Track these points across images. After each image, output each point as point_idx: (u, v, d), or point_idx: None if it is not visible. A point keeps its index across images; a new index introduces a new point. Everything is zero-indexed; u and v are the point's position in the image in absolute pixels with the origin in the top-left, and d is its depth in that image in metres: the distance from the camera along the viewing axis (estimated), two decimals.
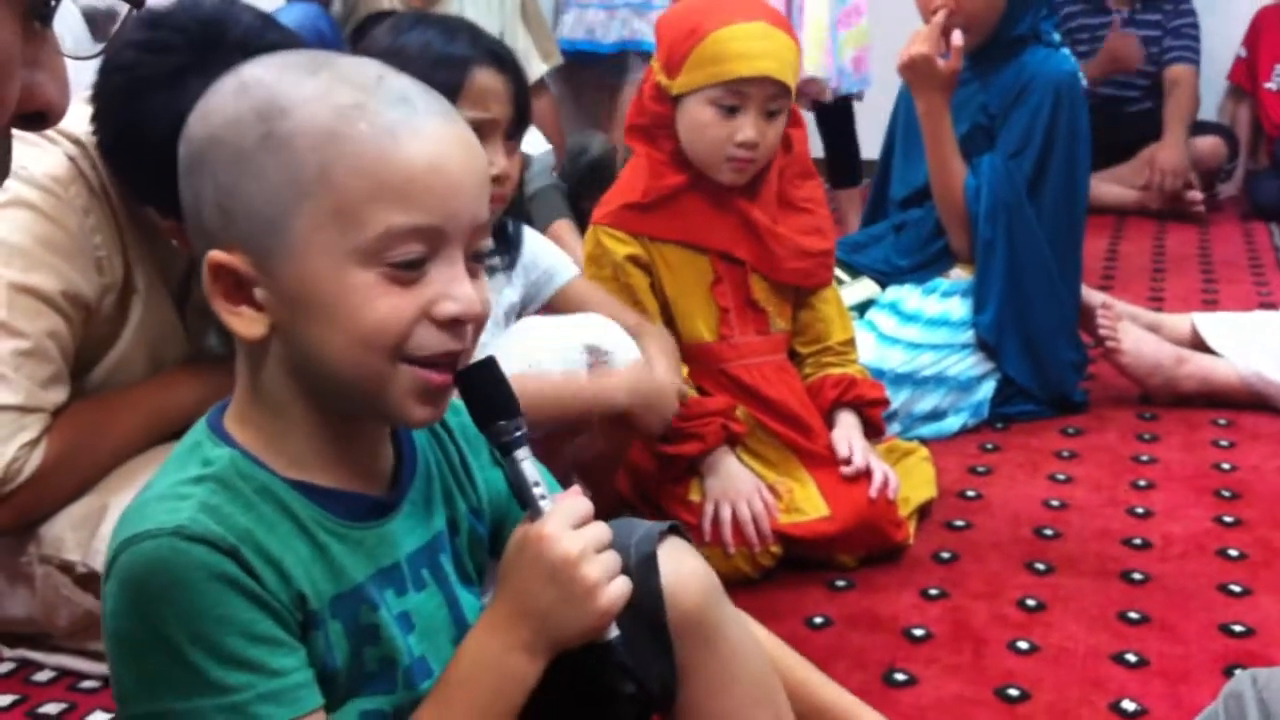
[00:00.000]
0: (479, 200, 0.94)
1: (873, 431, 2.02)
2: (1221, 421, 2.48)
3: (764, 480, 1.89)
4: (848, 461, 1.92)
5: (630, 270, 1.91)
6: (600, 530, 0.98)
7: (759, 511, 1.84)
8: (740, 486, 1.86)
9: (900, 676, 1.64)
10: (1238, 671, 1.01)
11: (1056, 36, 2.50)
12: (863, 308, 2.48)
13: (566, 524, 0.96)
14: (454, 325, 0.92)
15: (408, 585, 1.01)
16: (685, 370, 1.89)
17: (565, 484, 1.15)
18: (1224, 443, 2.39)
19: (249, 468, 0.93)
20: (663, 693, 1.09)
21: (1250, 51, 4.32)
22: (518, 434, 0.99)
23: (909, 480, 2.05)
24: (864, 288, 2.52)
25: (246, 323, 0.92)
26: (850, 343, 2.06)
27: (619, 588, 0.97)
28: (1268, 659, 1.65)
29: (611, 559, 0.97)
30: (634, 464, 1.93)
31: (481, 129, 1.57)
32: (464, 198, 0.93)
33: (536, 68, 3.68)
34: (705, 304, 1.94)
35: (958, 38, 2.35)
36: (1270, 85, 4.23)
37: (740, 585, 1.80)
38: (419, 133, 0.91)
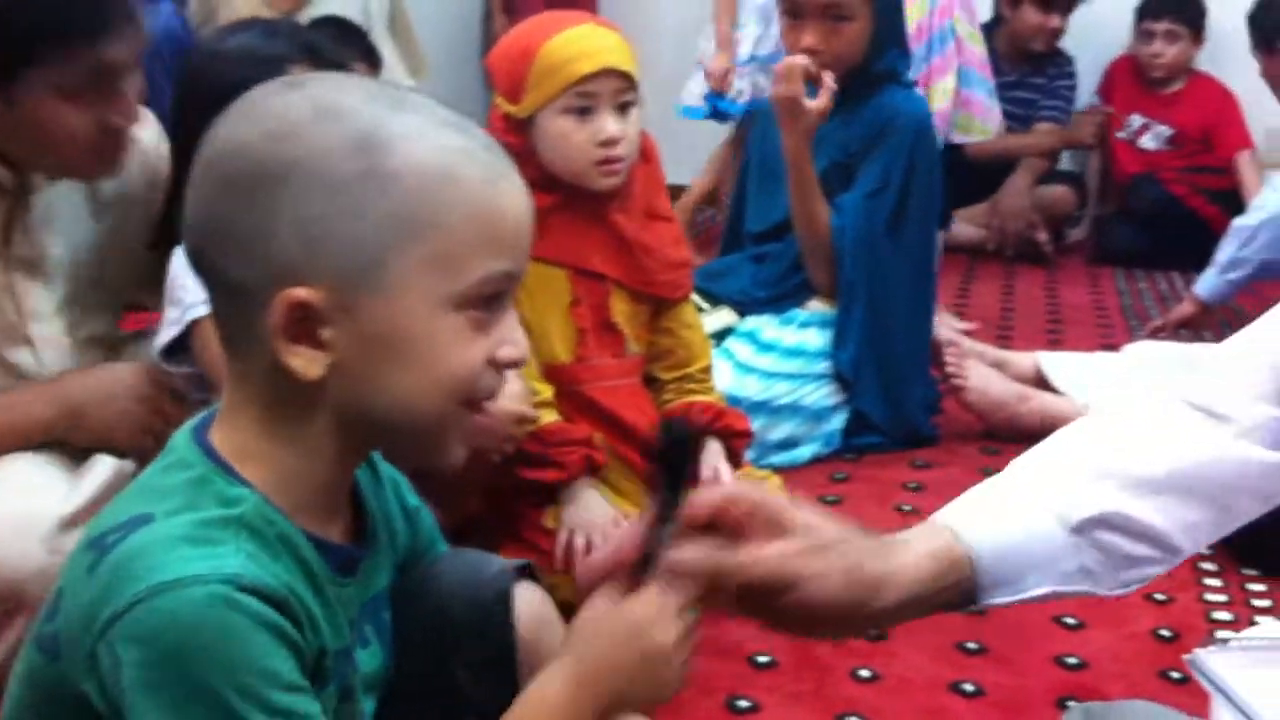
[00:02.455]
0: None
1: (733, 463, 2.03)
2: None
3: (620, 511, 1.89)
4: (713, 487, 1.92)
5: None
6: (692, 618, 0.96)
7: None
8: (596, 517, 1.86)
9: (744, 704, 1.65)
10: (1071, 704, 1.04)
11: (910, 77, 2.56)
12: (720, 336, 2.51)
13: (668, 609, 0.93)
14: (507, 368, 0.94)
15: (358, 641, 0.99)
16: (550, 391, 1.89)
17: (427, 497, 1.16)
18: None
19: (271, 513, 0.90)
20: None
21: (1103, 101, 4.47)
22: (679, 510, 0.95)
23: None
24: (722, 316, 2.54)
25: (305, 362, 0.88)
26: (709, 370, 2.07)
27: (686, 671, 0.97)
28: (1100, 691, 1.70)
29: (690, 644, 0.96)
30: (493, 483, 1.91)
31: None
32: (530, 243, 0.95)
33: (402, 82, 3.64)
34: (562, 325, 1.94)
35: (829, 79, 2.39)
36: (1121, 135, 4.39)
37: None
38: (511, 180, 0.93)
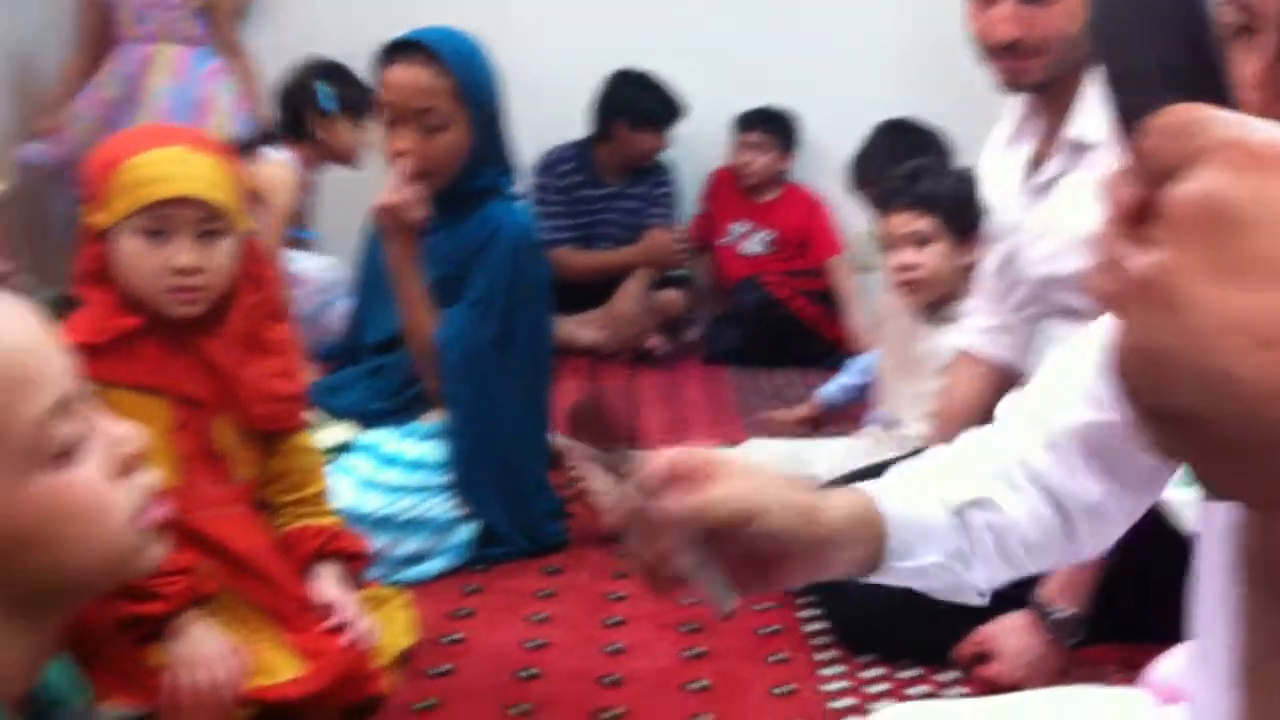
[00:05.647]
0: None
1: (354, 584, 1.96)
2: None
3: (232, 641, 1.78)
4: (331, 613, 1.85)
5: None
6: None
7: (222, 679, 1.73)
8: (206, 652, 1.73)
9: None
10: None
11: (512, 188, 2.58)
12: (339, 450, 2.43)
13: None
14: (134, 461, 0.88)
15: None
16: None
17: None
18: None
19: None
20: None
21: (707, 209, 4.70)
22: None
23: (389, 628, 1.99)
24: (340, 430, 2.47)
25: None
26: (324, 494, 1.99)
27: None
28: None
29: None
30: (89, 624, 1.76)
31: None
32: (62, 357, 0.88)
33: None
34: (162, 452, 1.82)
35: (420, 189, 2.40)
36: (724, 241, 4.61)
37: None
38: (1, 318, 0.85)
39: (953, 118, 3.86)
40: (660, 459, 0.95)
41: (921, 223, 2.69)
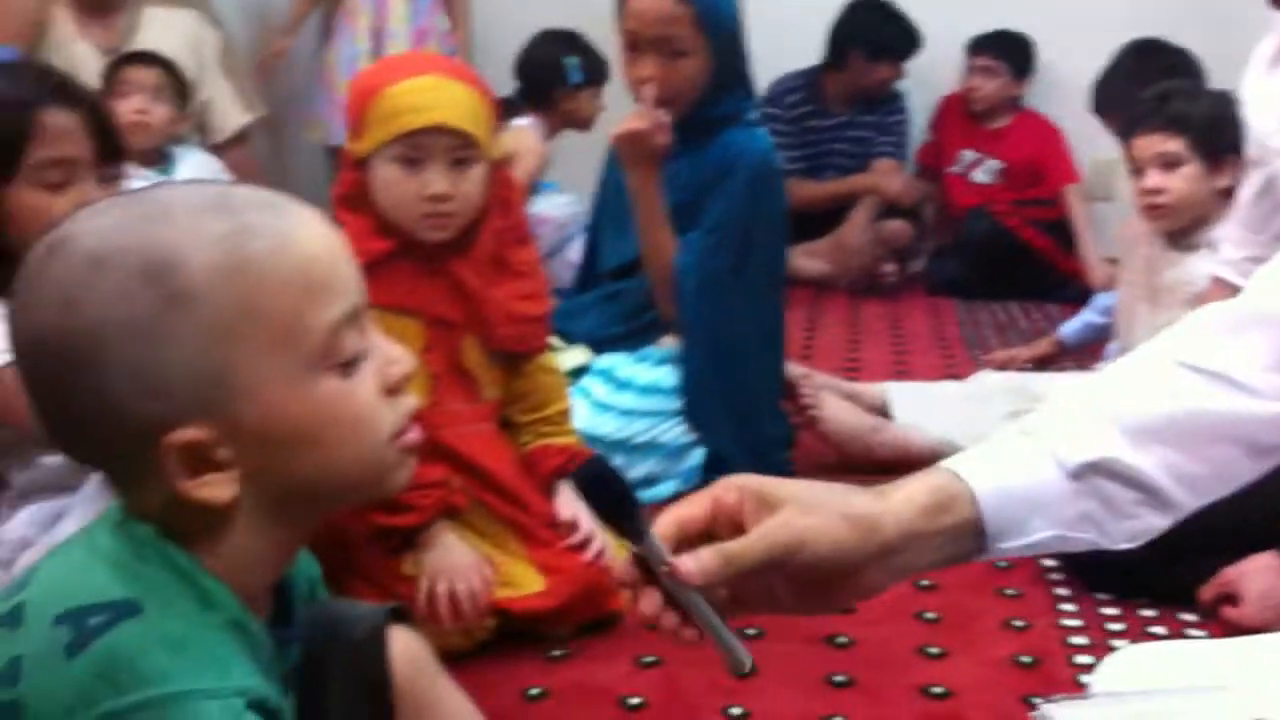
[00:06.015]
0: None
1: None
2: None
3: (480, 554, 1.85)
4: (572, 530, 1.90)
5: None
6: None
7: (476, 588, 1.80)
8: (458, 563, 1.81)
9: None
10: None
11: (753, 115, 2.56)
12: (576, 374, 2.49)
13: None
14: (402, 382, 0.93)
15: None
16: None
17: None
18: None
19: (244, 614, 0.87)
20: None
21: (936, 137, 4.59)
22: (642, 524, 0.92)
23: (623, 547, 2.04)
24: (577, 355, 2.52)
25: (216, 489, 0.86)
26: (567, 413, 2.05)
27: None
28: (964, 719, 1.72)
29: None
30: (343, 533, 1.86)
31: (63, 169, 1.53)
32: (355, 269, 0.92)
33: (236, 119, 3.57)
34: (417, 371, 1.89)
35: (664, 115, 2.40)
36: (954, 169, 4.51)
37: (455, 659, 1.75)
38: (303, 225, 0.89)
39: (1196, 40, 3.68)
40: (696, 503, 0.92)
41: (1171, 144, 2.58)
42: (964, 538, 0.95)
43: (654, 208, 2.43)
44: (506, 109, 3.73)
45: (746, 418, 2.52)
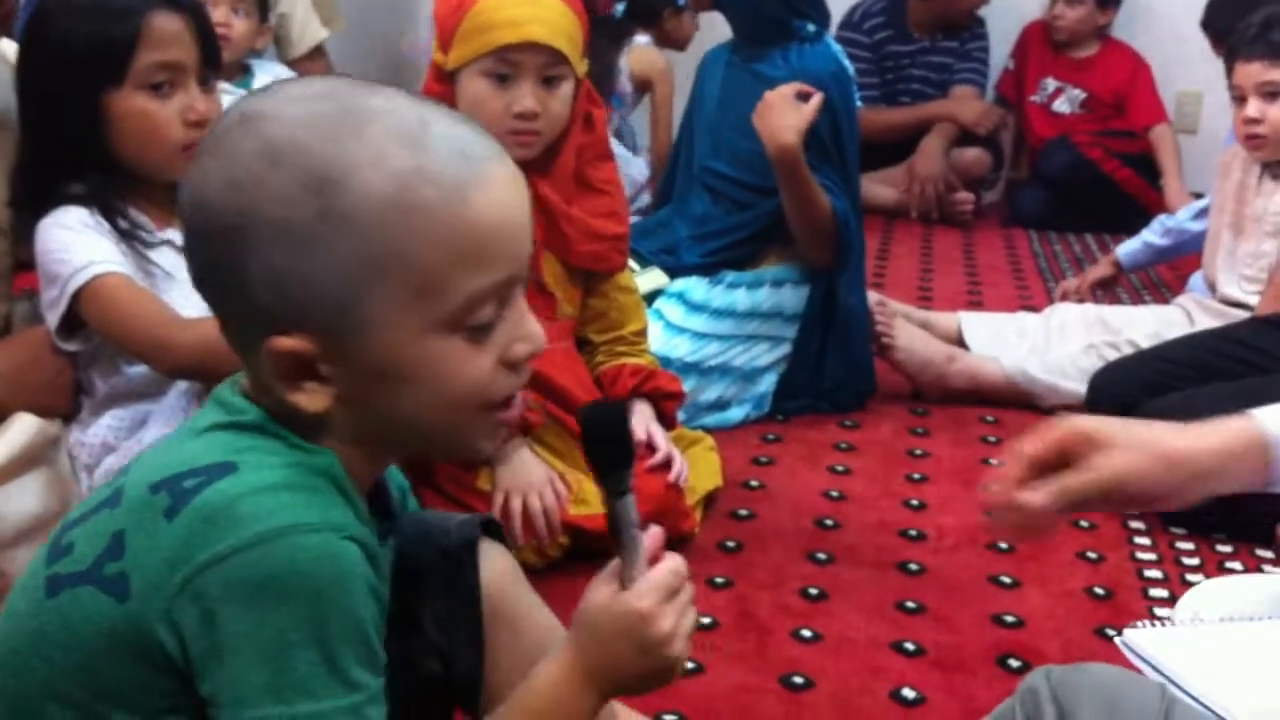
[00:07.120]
0: (530, 235, 0.92)
1: (665, 424, 2.01)
2: (989, 418, 2.57)
3: (554, 471, 1.86)
4: (649, 449, 1.91)
5: None
6: (687, 594, 1.00)
7: (550, 504, 1.81)
8: (532, 478, 1.82)
9: (687, 665, 1.63)
10: (1036, 669, 1.04)
11: (810, 28, 2.50)
12: (651, 297, 2.48)
13: (662, 599, 0.97)
14: (523, 363, 0.91)
15: None
16: None
17: None
18: (991, 438, 2.47)
19: (342, 472, 0.89)
20: (468, 682, 1.09)
21: (1017, 65, 4.50)
22: (631, 480, 0.97)
23: (695, 469, 2.05)
24: (653, 278, 2.51)
25: (310, 398, 0.87)
26: (643, 333, 2.05)
27: (689, 648, 1.00)
28: (1036, 649, 1.71)
29: (692, 623, 1.00)
30: None
31: (170, 73, 1.53)
32: (526, 240, 0.91)
33: (315, 33, 3.57)
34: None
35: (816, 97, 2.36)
36: (1035, 99, 4.42)
37: (527, 575, 1.77)
38: (483, 186, 0.87)
39: None
40: (1051, 437, 1.11)
41: (1274, 73, 2.51)
42: (1254, 475, 1.11)
43: (808, 183, 2.37)
44: (615, 28, 3.75)
45: (850, 340, 2.50)
